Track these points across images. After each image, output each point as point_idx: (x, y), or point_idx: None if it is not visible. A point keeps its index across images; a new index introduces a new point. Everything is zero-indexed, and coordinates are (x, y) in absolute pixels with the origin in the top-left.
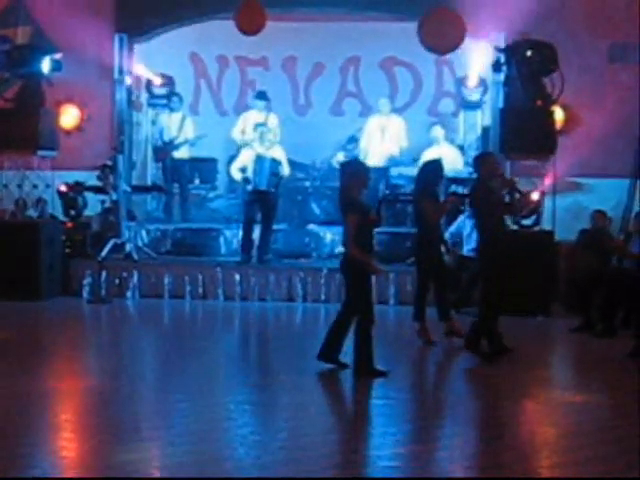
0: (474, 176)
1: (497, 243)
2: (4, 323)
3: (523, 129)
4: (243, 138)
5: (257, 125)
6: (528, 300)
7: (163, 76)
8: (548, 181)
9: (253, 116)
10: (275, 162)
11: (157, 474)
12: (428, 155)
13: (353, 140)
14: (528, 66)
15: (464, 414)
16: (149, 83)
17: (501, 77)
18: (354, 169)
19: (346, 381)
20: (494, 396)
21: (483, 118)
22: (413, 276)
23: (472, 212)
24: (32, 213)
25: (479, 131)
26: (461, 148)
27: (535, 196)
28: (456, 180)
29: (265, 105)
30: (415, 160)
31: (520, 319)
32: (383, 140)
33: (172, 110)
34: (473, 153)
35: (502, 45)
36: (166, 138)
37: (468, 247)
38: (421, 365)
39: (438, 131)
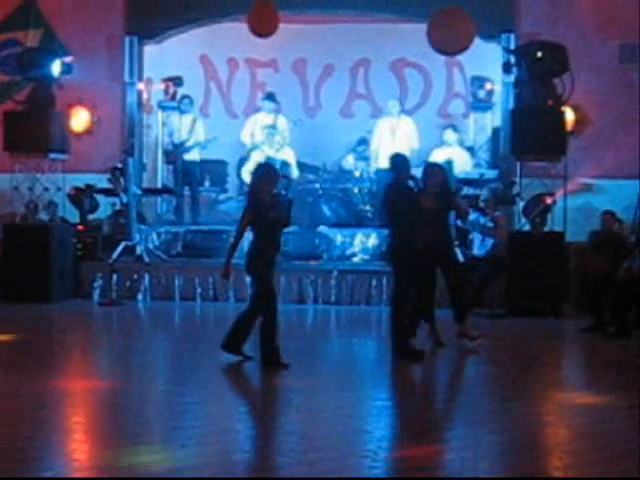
0: (485, 177)
1: (406, 251)
2: (15, 325)
3: (533, 130)
4: (252, 141)
5: (265, 127)
6: (539, 301)
7: (171, 80)
8: (559, 182)
9: (262, 118)
10: (285, 164)
11: (168, 476)
12: (437, 156)
13: (363, 142)
14: (538, 67)
15: (475, 415)
16: (159, 85)
17: (511, 78)
18: (263, 172)
19: (358, 383)
20: (505, 397)
21: (493, 119)
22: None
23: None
24: (43, 216)
25: (489, 132)
26: (471, 149)
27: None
28: (467, 181)
29: (274, 107)
30: (425, 162)
31: (531, 320)
32: (394, 142)
33: (182, 112)
34: (484, 154)
35: (512, 46)
36: (177, 140)
37: (479, 247)
38: (432, 366)
39: (450, 135)
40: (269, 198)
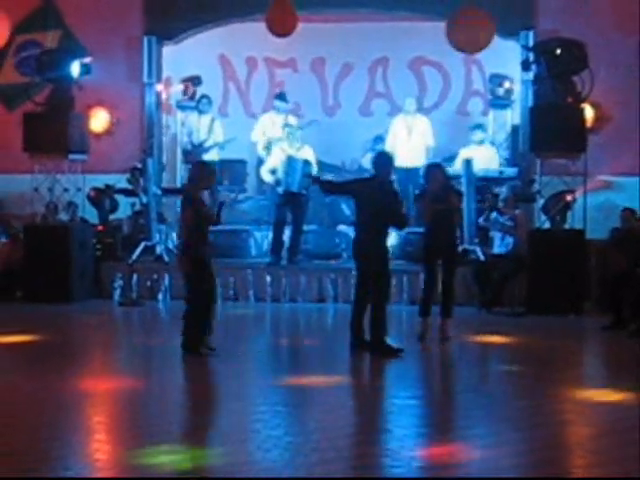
0: (504, 175)
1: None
2: (36, 326)
3: (553, 127)
4: (266, 139)
5: (285, 126)
6: (560, 299)
7: (190, 80)
8: (578, 180)
9: (271, 118)
10: (307, 164)
11: (190, 475)
12: (465, 154)
13: (379, 140)
14: (558, 64)
15: (496, 414)
16: (178, 86)
17: (530, 76)
18: (199, 170)
19: (378, 382)
20: (526, 396)
21: (512, 117)
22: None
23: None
24: (63, 217)
25: (508, 130)
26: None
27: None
28: (486, 179)
29: (286, 107)
30: (445, 160)
31: (552, 318)
32: (410, 140)
33: (201, 112)
34: (503, 152)
35: (531, 43)
36: (195, 140)
37: (499, 245)
38: (453, 365)
39: (479, 135)
40: (203, 196)
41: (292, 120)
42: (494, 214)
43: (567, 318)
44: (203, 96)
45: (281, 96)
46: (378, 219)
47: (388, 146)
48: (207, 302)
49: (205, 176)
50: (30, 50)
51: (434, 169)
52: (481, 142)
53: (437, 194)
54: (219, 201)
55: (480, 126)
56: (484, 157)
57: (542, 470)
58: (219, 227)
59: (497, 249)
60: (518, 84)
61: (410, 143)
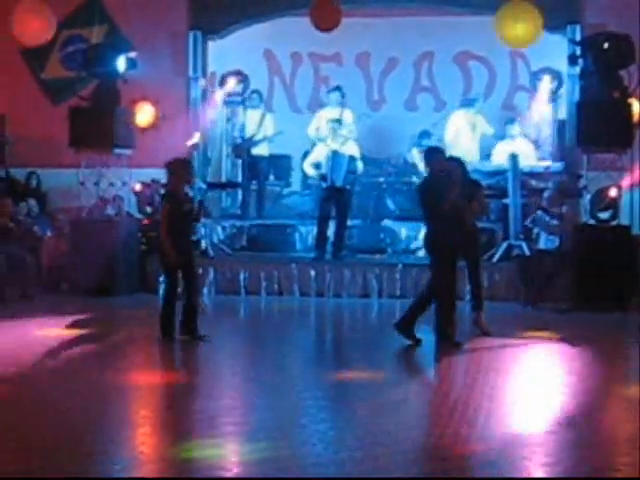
0: (550, 170)
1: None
2: (82, 319)
3: (600, 122)
4: (317, 135)
5: (330, 121)
6: (605, 295)
7: (235, 75)
8: (625, 175)
9: (328, 113)
10: (352, 159)
11: (235, 470)
12: (500, 149)
13: (425, 135)
14: (605, 59)
15: (539, 411)
16: (223, 81)
17: (577, 70)
18: (179, 167)
19: (423, 377)
20: (572, 393)
21: (559, 112)
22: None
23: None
24: (109, 211)
25: (555, 125)
26: (535, 142)
27: (613, 192)
28: (532, 175)
29: (340, 100)
30: (488, 155)
31: (597, 314)
32: (474, 136)
33: (249, 107)
34: (549, 147)
35: (578, 38)
36: (246, 134)
37: (545, 241)
38: (493, 362)
39: (516, 129)
40: (183, 192)
41: (348, 114)
42: (539, 212)
43: (613, 315)
44: (254, 91)
45: (337, 88)
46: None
47: (448, 141)
48: (170, 300)
49: (186, 172)
50: (76, 45)
51: (451, 163)
52: (518, 136)
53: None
54: (199, 199)
55: (515, 119)
56: (522, 151)
57: (588, 467)
58: (264, 222)
59: (543, 245)
60: (565, 78)
61: (475, 139)
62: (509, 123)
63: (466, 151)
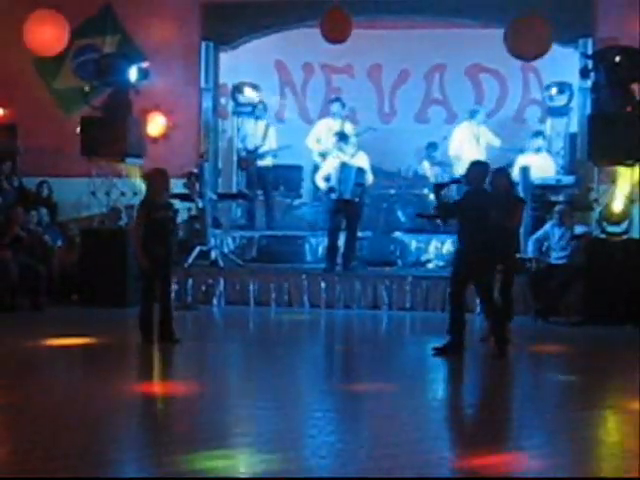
0: (562, 183)
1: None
2: (92, 329)
3: (612, 136)
4: (320, 147)
5: (335, 134)
6: (617, 308)
7: (246, 86)
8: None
9: (328, 124)
10: (361, 171)
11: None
12: (522, 162)
13: (432, 147)
14: (617, 72)
15: (553, 423)
16: (234, 91)
17: (589, 83)
18: (157, 177)
19: (431, 389)
20: (584, 406)
21: (570, 125)
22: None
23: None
24: (120, 220)
25: (566, 138)
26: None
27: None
28: (543, 187)
29: (340, 112)
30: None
31: (609, 328)
32: (478, 148)
33: (257, 118)
34: (561, 160)
35: (590, 51)
36: (250, 146)
37: (557, 255)
38: (509, 374)
39: (538, 142)
40: (160, 200)
41: (349, 127)
42: (549, 226)
43: (624, 328)
44: (259, 102)
45: (338, 100)
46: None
47: (452, 153)
48: (147, 306)
49: (163, 182)
50: (88, 54)
51: (497, 175)
52: (539, 150)
53: (498, 200)
54: (173, 209)
55: (540, 133)
56: (541, 165)
57: None
58: (275, 233)
59: (554, 258)
60: (577, 92)
61: (479, 151)
62: (535, 137)
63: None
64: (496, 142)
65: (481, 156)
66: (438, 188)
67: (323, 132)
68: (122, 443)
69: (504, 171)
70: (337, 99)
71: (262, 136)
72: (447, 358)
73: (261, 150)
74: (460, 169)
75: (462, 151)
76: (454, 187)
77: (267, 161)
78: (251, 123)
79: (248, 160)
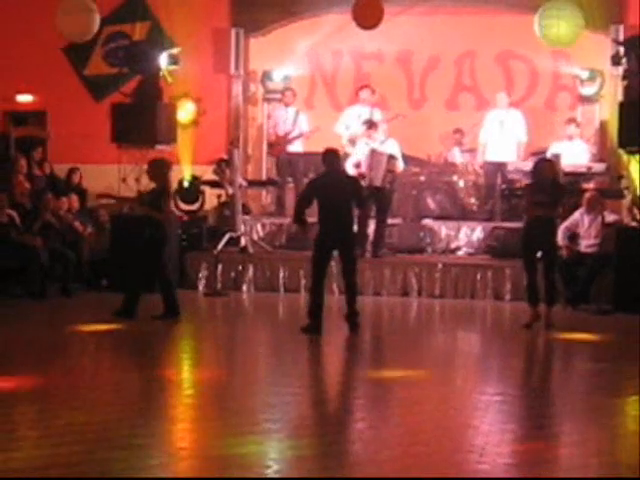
0: (592, 171)
1: None
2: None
3: None
4: (349, 133)
5: (365, 121)
6: None
7: (277, 72)
8: None
9: (356, 111)
10: (391, 158)
11: (275, 467)
12: (556, 149)
13: (457, 133)
14: None
15: (583, 411)
16: (264, 78)
17: (620, 70)
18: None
19: (463, 377)
20: (614, 394)
21: (601, 112)
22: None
23: None
24: None
25: (597, 125)
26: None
27: None
28: (574, 175)
29: (369, 99)
30: (533, 154)
31: (639, 315)
32: (502, 134)
33: (286, 104)
34: (591, 147)
35: (621, 38)
36: (281, 132)
37: (586, 242)
38: (539, 362)
39: (573, 130)
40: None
41: (377, 114)
42: (578, 213)
43: None
44: (288, 88)
45: (367, 87)
46: None
47: (481, 140)
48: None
49: (164, 171)
50: (118, 41)
51: (542, 163)
52: (574, 137)
53: (542, 188)
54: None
55: (574, 121)
56: (575, 152)
57: (630, 470)
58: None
59: (584, 246)
60: (608, 79)
61: (502, 137)
62: (568, 124)
63: (493, 149)
64: (521, 130)
65: (504, 142)
66: None
67: (353, 118)
68: (149, 428)
69: (548, 160)
70: (366, 85)
71: (292, 122)
72: (474, 345)
73: (291, 136)
74: (487, 157)
75: (488, 138)
76: None
77: (297, 147)
78: (281, 109)
79: (278, 146)
